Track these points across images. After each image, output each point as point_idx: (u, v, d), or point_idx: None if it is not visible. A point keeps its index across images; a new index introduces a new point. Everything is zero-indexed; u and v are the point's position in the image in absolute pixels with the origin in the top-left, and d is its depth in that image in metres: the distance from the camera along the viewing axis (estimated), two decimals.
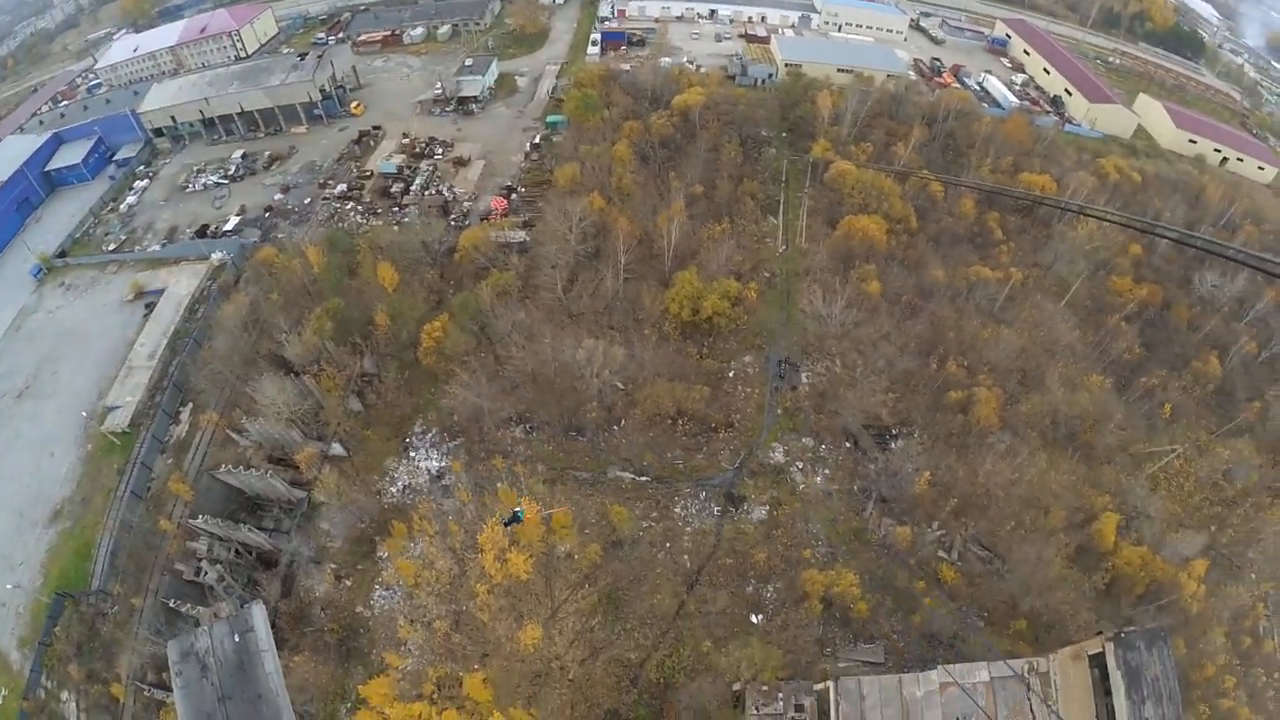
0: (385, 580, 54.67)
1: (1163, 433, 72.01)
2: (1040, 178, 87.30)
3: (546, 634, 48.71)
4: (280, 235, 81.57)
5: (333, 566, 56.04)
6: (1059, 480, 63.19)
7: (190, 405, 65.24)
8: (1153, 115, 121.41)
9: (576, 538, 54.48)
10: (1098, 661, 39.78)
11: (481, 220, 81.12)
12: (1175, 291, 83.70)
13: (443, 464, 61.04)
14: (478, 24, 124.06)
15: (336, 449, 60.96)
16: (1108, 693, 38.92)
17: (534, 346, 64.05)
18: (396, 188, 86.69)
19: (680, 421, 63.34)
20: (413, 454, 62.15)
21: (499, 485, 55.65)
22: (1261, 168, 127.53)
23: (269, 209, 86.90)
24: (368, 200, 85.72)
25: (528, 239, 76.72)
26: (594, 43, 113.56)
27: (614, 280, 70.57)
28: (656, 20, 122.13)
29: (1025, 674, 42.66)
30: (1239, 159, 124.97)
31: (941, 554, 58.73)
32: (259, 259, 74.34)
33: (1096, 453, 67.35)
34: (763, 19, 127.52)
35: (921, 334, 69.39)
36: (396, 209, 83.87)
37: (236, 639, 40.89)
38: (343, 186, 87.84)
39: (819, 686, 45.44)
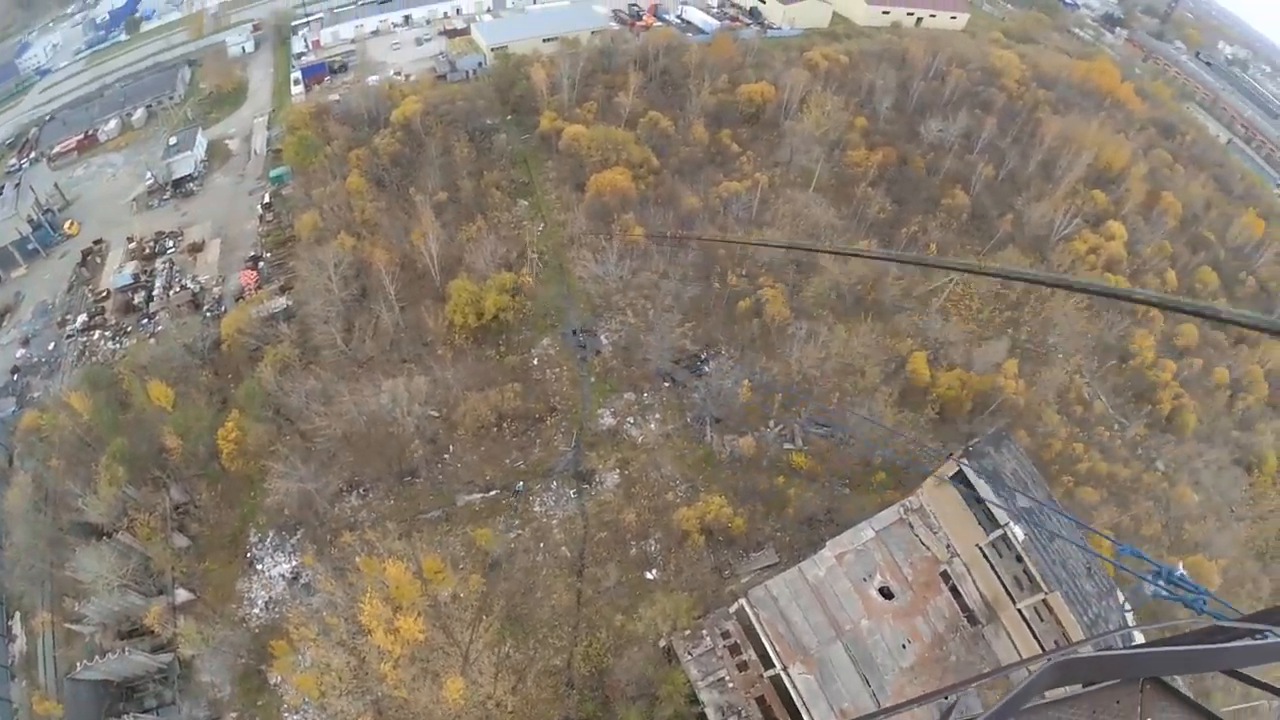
0: (291, 704, 54.86)
1: (937, 269, 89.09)
2: (758, 86, 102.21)
3: (469, 681, 51.49)
4: (37, 395, 78.07)
5: (232, 716, 55.27)
6: (862, 342, 75.64)
7: (18, 615, 61.43)
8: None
9: (454, 576, 57.51)
10: (960, 479, 46.87)
11: (237, 301, 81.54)
12: (907, 146, 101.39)
13: (294, 563, 61.78)
14: (171, 98, 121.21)
15: (182, 594, 59.88)
16: (979, 500, 45.80)
17: (335, 409, 66.16)
18: (139, 298, 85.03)
19: (505, 425, 68.23)
20: (259, 566, 62.22)
21: (357, 560, 57.41)
22: (954, 17, 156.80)
23: (15, 370, 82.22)
24: (114, 322, 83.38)
25: (290, 303, 78.42)
26: (296, 82, 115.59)
27: (390, 313, 74.06)
28: (353, 42, 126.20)
29: (904, 514, 51.74)
30: (932, 15, 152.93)
31: (788, 445, 68.67)
32: (24, 429, 70.85)
33: (886, 308, 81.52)
34: (458, 11, 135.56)
35: (695, 261, 79.80)
36: (146, 320, 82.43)
37: None
38: (83, 317, 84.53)
39: (734, 609, 51.37)
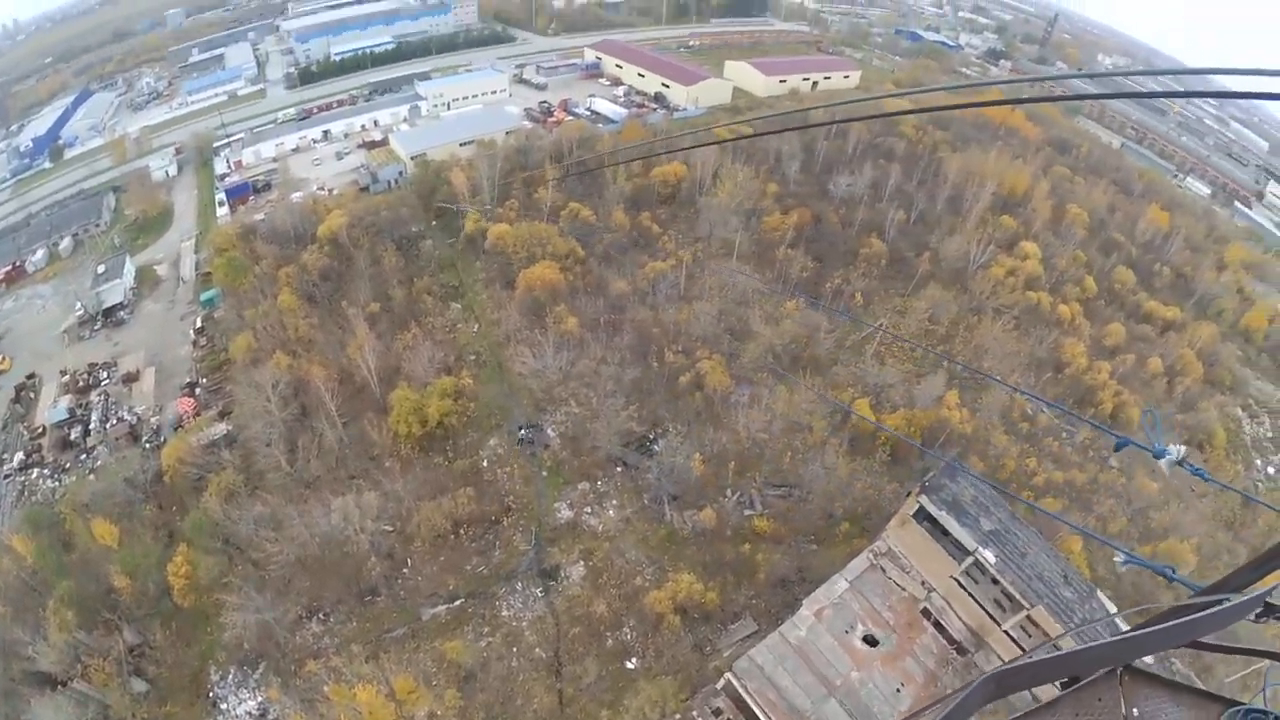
0: None
1: (866, 317, 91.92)
2: (671, 167, 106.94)
3: None
4: None
5: None
6: (805, 399, 77.75)
7: None
8: (742, 74, 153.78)
9: (428, 694, 55.96)
10: (922, 515, 46.39)
11: (176, 430, 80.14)
12: (819, 205, 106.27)
13: (259, 699, 59.11)
14: (98, 226, 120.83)
15: None
16: (945, 533, 45.49)
17: (286, 533, 64.84)
18: (76, 433, 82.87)
19: (461, 531, 67.56)
20: (223, 705, 59.35)
21: (325, 688, 55.33)
22: (846, 76, 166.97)
23: None
24: (52, 459, 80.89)
25: (230, 429, 77.34)
26: (220, 203, 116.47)
27: (333, 430, 73.65)
28: (275, 160, 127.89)
29: (874, 560, 52.89)
30: (826, 78, 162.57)
31: (748, 512, 69.09)
32: None
33: (822, 362, 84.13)
34: (375, 123, 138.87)
35: (631, 343, 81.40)
36: (85, 456, 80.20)
37: None
38: (20, 456, 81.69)
39: (721, 684, 49.58)
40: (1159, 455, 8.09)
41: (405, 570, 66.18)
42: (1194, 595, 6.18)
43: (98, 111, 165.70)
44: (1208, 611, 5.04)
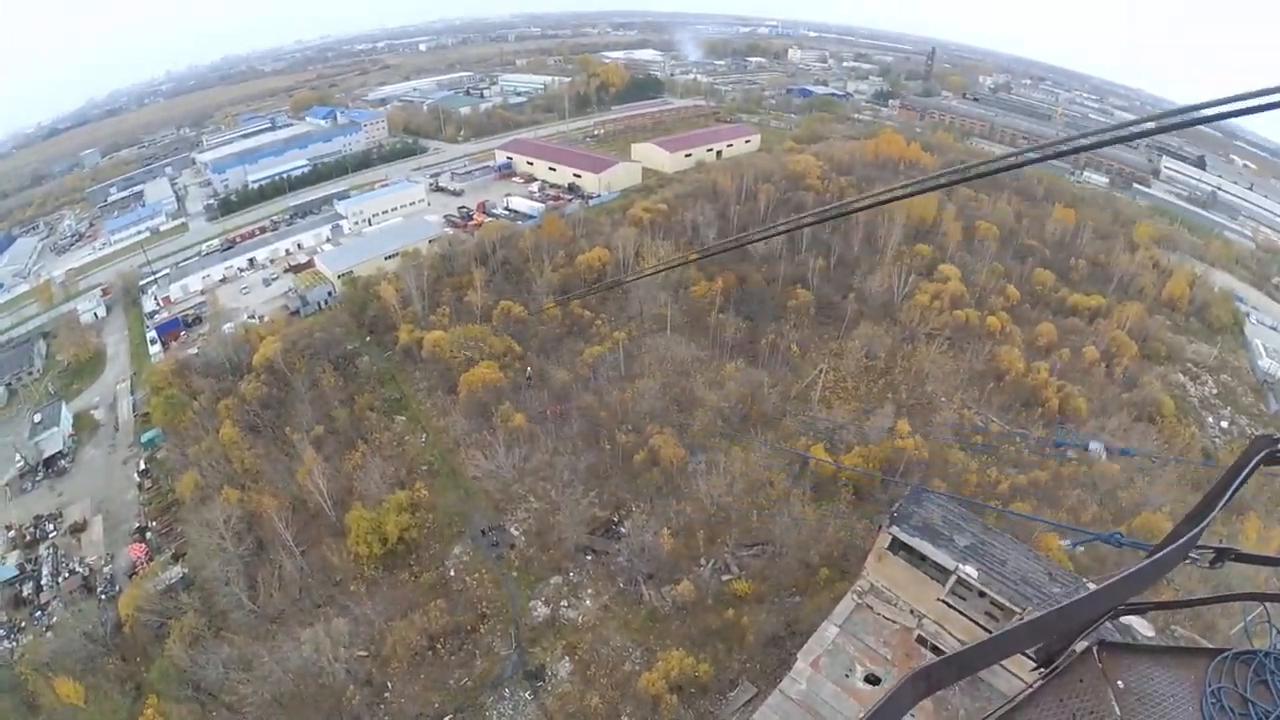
0: None
1: (804, 365, 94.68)
2: (594, 253, 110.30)
3: None
4: None
5: None
6: (759, 456, 78.93)
7: None
8: (648, 155, 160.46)
9: None
10: (897, 545, 45.90)
11: (130, 577, 77.02)
12: (741, 266, 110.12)
13: None
14: (30, 373, 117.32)
15: None
16: (924, 558, 45.01)
17: (257, 672, 62.15)
18: (28, 589, 78.74)
19: (438, 645, 65.62)
20: None
21: None
22: (747, 141, 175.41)
23: None
24: (4, 619, 76.36)
25: (186, 571, 74.90)
26: (152, 341, 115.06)
27: (292, 560, 71.78)
28: (203, 292, 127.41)
29: (859, 600, 52.89)
30: (729, 145, 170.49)
31: (725, 577, 68.96)
32: None
33: (771, 416, 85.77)
34: (299, 246, 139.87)
35: (581, 431, 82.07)
36: (39, 613, 76.19)
37: None
38: None
39: None
40: (1087, 448, 8.97)
41: (387, 694, 63.63)
42: (1149, 553, 6.26)
43: (21, 257, 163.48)
44: (1137, 568, 5.04)
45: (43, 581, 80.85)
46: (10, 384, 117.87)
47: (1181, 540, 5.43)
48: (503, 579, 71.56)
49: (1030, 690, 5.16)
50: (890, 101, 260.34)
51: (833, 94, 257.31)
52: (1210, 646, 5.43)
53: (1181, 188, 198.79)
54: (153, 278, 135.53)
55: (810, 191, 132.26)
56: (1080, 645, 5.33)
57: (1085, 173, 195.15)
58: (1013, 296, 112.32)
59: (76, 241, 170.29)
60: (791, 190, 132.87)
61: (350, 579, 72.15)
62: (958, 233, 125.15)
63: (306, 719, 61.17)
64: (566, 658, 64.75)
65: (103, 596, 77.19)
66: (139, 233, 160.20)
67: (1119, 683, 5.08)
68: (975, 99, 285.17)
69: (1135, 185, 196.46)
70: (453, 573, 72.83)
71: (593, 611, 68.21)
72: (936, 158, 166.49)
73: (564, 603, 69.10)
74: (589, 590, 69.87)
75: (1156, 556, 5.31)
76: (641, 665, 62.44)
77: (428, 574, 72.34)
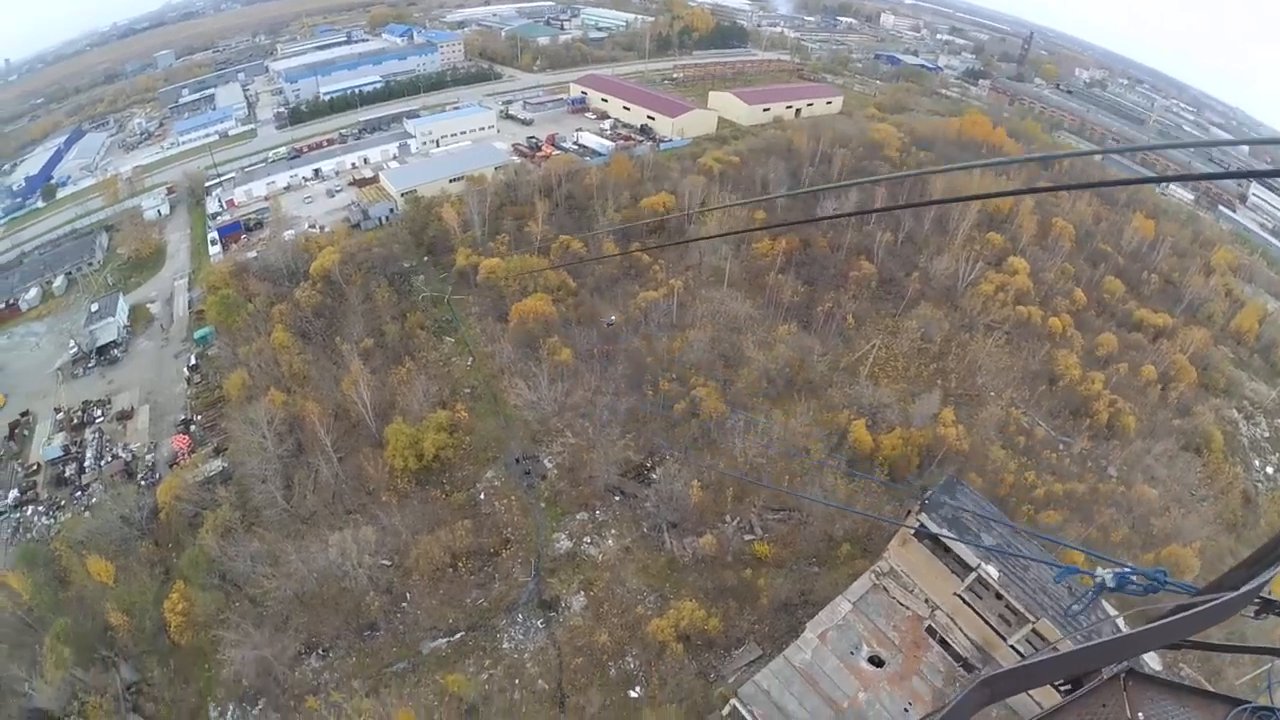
0: None
1: (857, 338, 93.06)
2: (659, 197, 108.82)
3: None
4: None
5: None
6: (801, 422, 78.40)
7: None
8: (726, 104, 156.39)
9: None
10: (923, 533, 47.38)
11: (171, 467, 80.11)
12: (807, 229, 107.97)
13: None
14: (91, 264, 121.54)
15: None
16: (947, 550, 46.57)
17: (284, 569, 64.74)
18: (70, 470, 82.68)
19: (460, 564, 67.50)
20: None
21: None
22: (829, 102, 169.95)
23: None
24: (46, 496, 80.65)
25: (226, 465, 77.59)
26: (213, 242, 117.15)
27: (329, 466, 73.83)
28: (267, 198, 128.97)
29: (877, 580, 52.86)
30: (809, 104, 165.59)
31: (748, 537, 69.29)
32: None
33: (816, 385, 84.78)
34: (365, 160, 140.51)
35: (625, 373, 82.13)
36: (80, 493, 79.98)
37: None
38: (14, 493, 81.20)
39: (726, 711, 50.26)
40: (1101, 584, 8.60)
41: (404, 604, 66.04)
42: (1193, 595, 6.15)
43: (90, 152, 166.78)
44: (1198, 609, 5.03)
45: (86, 464, 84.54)
46: (70, 274, 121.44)
47: (1246, 588, 5.30)
48: (530, 508, 72.92)
49: (1055, 707, 5.18)
50: (980, 81, 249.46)
51: (922, 65, 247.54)
52: (1230, 696, 5.33)
53: (1267, 217, 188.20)
54: (218, 180, 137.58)
55: (887, 162, 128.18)
56: (1108, 671, 5.34)
57: (1171, 185, 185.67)
58: (1079, 300, 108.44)
59: (145, 140, 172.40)
60: (868, 159, 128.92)
61: (383, 490, 74.07)
62: (1032, 226, 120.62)
63: (325, 618, 63.89)
64: (582, 592, 66.24)
65: (142, 483, 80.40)
66: (208, 135, 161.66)
67: (1139, 714, 5.09)
68: (1069, 91, 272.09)
69: (1220, 208, 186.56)
70: (483, 496, 74.32)
71: (614, 551, 69.36)
72: (1022, 145, 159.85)
73: (587, 539, 70.33)
74: (613, 530, 70.94)
75: (1225, 599, 5.17)
76: (653, 610, 63.61)
77: (458, 494, 73.95)
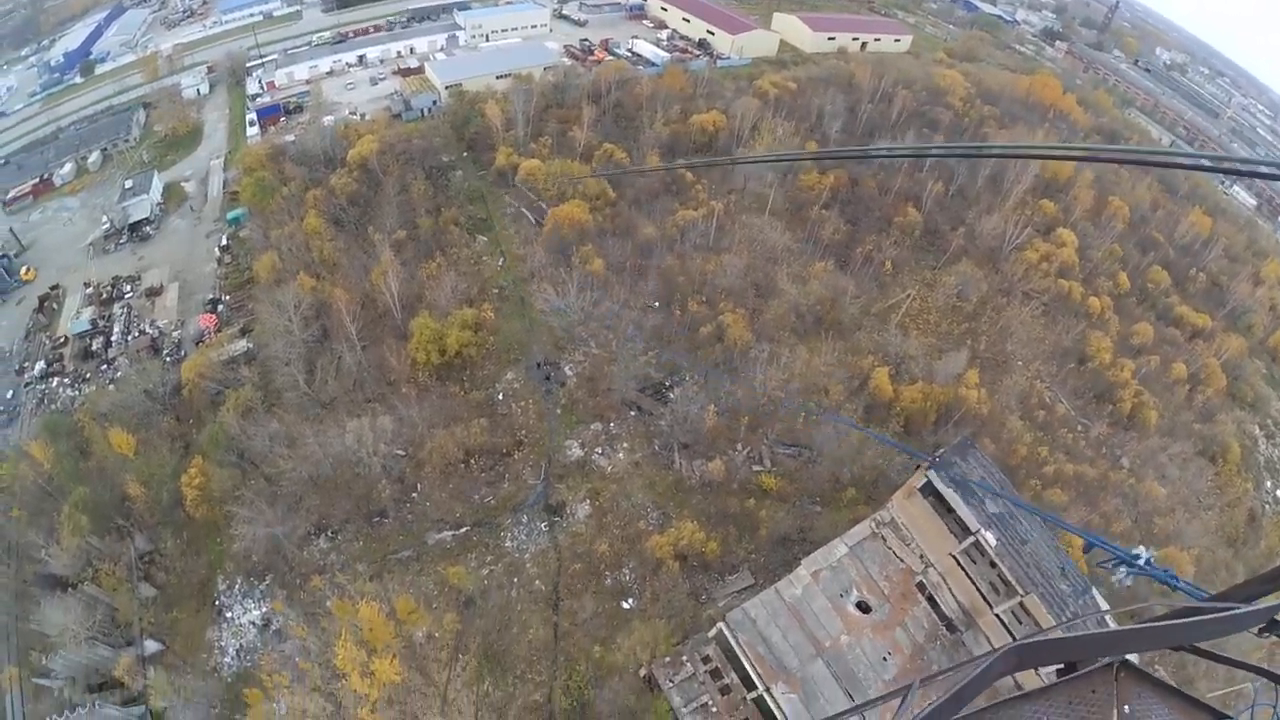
0: None
1: (893, 285, 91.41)
2: (710, 116, 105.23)
3: None
4: None
5: None
6: (824, 361, 77.87)
7: None
8: (790, 28, 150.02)
9: (428, 616, 57.75)
10: (929, 490, 47.80)
11: (197, 345, 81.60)
12: (857, 168, 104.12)
13: (264, 610, 61.25)
14: (126, 141, 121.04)
15: (151, 645, 59.19)
16: (949, 510, 46.72)
17: (300, 451, 66.13)
18: (97, 344, 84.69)
19: (472, 461, 68.71)
20: (229, 614, 61.63)
21: (329, 603, 57.55)
22: (897, 40, 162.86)
23: None
24: (72, 369, 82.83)
25: (251, 346, 78.67)
26: (251, 123, 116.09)
27: (352, 353, 74.50)
28: (308, 82, 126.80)
29: (876, 529, 52.93)
30: (876, 39, 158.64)
31: (757, 468, 69.74)
32: None
33: (845, 326, 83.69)
34: (411, 50, 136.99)
35: (655, 289, 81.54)
36: (105, 367, 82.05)
37: None
38: (42, 364, 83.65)
39: (713, 633, 51.97)
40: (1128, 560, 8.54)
41: (414, 495, 67.46)
42: (1204, 601, 6.25)
43: (130, 28, 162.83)
44: (1220, 615, 5.12)
45: (113, 338, 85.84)
46: (106, 150, 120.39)
47: (1263, 605, 5.34)
48: (546, 413, 73.37)
49: (1046, 685, 5.13)
50: (1057, 43, 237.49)
51: (1000, 16, 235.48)
52: (1213, 707, 5.33)
53: None
54: (260, 61, 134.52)
55: (949, 110, 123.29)
56: (1103, 658, 5.35)
57: (1235, 186, 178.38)
58: (1122, 284, 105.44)
59: (188, 18, 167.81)
60: (930, 104, 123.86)
61: (403, 382, 74.68)
62: (1088, 200, 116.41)
63: (337, 502, 65.46)
64: (588, 501, 67.32)
65: (168, 359, 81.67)
66: (251, 15, 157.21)
67: (1125, 708, 5.08)
68: (1147, 69, 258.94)
69: None
70: (501, 397, 74.90)
71: (623, 465, 70.09)
72: (1090, 116, 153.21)
73: (599, 450, 71.02)
74: (625, 444, 71.52)
75: (1244, 611, 5.21)
76: (655, 527, 64.73)
77: (477, 392, 74.53)
